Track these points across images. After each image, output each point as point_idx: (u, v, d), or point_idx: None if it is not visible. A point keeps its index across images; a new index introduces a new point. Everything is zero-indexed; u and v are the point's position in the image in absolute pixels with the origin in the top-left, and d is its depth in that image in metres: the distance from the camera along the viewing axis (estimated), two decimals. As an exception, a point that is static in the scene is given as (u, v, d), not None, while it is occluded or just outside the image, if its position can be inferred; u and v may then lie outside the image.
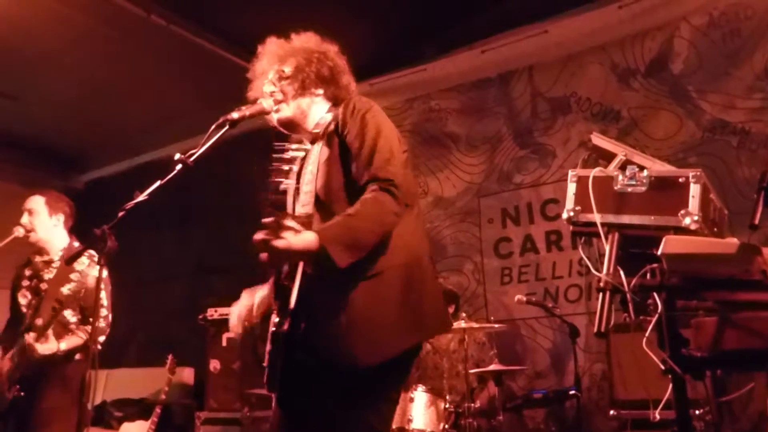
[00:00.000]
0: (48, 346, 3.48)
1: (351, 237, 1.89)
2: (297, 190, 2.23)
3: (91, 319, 3.60)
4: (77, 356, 3.59)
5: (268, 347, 2.10)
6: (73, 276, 3.63)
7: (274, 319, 2.10)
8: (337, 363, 1.95)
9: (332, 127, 2.19)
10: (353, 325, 1.93)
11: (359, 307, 1.94)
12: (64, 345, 3.52)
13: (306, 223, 2.03)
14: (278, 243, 1.80)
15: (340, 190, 2.08)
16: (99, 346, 3.57)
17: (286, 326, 2.02)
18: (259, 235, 1.83)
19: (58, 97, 6.36)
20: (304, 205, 2.12)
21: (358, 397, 1.96)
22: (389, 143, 2.07)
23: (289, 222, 1.85)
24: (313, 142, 2.27)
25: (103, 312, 3.64)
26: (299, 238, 1.84)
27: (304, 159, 2.28)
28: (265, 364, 2.10)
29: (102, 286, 3.50)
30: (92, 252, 3.61)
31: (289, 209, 2.23)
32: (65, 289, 3.60)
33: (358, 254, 1.89)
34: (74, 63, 5.80)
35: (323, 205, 2.08)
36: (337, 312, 1.94)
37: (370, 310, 1.95)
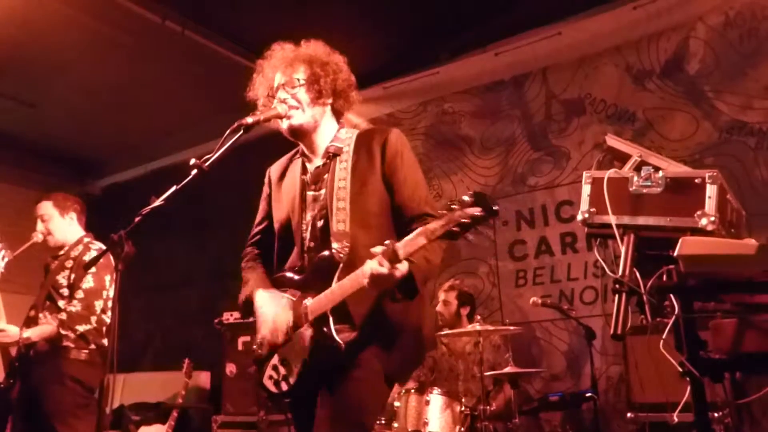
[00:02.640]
0: (7, 334, 3.44)
1: (428, 270, 2.13)
2: (313, 198, 2.29)
3: (99, 318, 3.56)
4: (72, 354, 3.48)
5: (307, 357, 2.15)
6: (67, 263, 3.64)
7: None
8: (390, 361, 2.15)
9: (359, 148, 2.29)
10: (402, 333, 2.18)
11: (408, 317, 2.20)
12: (28, 333, 3.46)
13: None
14: (396, 272, 1.94)
15: (377, 215, 2.22)
16: (71, 333, 3.47)
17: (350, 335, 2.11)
18: (379, 265, 1.92)
19: (74, 103, 6.43)
20: (339, 221, 2.18)
21: (382, 392, 2.20)
22: (423, 179, 2.34)
23: (400, 250, 1.93)
24: (329, 157, 2.31)
25: (79, 294, 3.53)
26: (404, 268, 1.98)
27: (319, 169, 2.33)
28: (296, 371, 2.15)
29: (93, 270, 3.49)
30: (101, 245, 3.61)
31: (311, 215, 2.28)
32: (60, 278, 3.62)
33: (427, 284, 2.15)
34: (90, 69, 5.86)
35: (360, 225, 2.18)
36: (393, 322, 2.16)
37: (417, 320, 2.23)
